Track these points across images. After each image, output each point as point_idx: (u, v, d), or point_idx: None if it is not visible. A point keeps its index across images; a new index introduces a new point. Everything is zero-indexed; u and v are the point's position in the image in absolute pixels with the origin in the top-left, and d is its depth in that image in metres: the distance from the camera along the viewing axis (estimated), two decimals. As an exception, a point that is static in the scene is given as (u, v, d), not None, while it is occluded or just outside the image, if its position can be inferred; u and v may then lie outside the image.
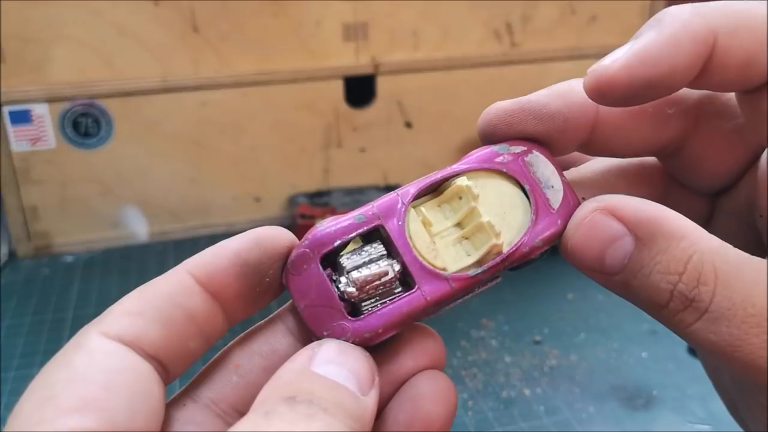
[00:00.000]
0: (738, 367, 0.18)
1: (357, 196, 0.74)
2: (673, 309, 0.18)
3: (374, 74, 0.76)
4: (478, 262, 0.21)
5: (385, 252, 0.21)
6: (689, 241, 0.18)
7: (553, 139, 0.22)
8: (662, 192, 0.24)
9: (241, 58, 0.72)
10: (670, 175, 0.24)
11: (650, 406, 0.50)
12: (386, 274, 0.20)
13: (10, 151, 0.69)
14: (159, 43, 0.69)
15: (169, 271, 0.20)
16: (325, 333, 0.20)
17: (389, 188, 0.76)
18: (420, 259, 0.21)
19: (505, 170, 0.22)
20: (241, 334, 0.22)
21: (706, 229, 0.22)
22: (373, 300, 0.21)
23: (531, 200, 0.21)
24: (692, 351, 0.56)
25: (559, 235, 0.21)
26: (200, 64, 0.71)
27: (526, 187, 0.22)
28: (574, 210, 0.21)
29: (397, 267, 0.21)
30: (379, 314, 0.20)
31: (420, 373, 0.21)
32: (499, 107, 0.22)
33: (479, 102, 0.87)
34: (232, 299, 0.20)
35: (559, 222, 0.21)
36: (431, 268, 0.21)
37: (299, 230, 0.70)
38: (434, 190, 0.22)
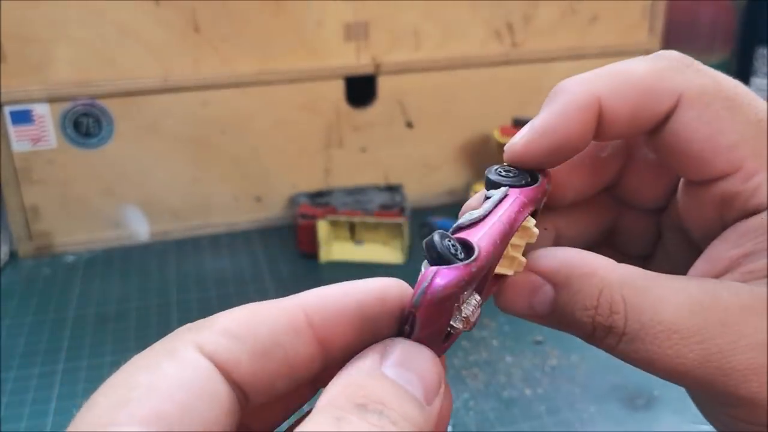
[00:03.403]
0: (664, 377, 0.20)
1: (358, 195, 0.74)
2: (598, 337, 0.21)
3: (375, 74, 0.76)
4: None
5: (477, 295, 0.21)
6: (598, 278, 0.21)
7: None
8: (615, 214, 0.27)
9: (242, 58, 0.72)
10: (619, 198, 0.27)
11: (651, 406, 0.50)
12: (478, 316, 0.21)
13: (11, 151, 0.69)
14: (160, 43, 0.69)
15: (285, 300, 0.20)
16: None
17: (390, 188, 0.76)
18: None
19: (537, 208, 0.23)
20: None
21: (659, 242, 0.26)
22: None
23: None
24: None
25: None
26: (201, 64, 0.71)
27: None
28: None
29: (479, 307, 0.21)
30: (453, 339, 0.21)
31: None
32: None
33: (480, 102, 0.88)
34: (340, 349, 0.20)
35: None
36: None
37: (299, 230, 0.70)
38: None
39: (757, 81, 0.86)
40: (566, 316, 0.22)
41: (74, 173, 0.71)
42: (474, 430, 0.48)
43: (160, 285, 0.67)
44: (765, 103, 0.22)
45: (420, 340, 0.20)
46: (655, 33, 0.84)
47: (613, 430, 0.48)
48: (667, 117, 0.22)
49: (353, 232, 0.71)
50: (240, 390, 0.19)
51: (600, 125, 0.22)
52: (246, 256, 0.72)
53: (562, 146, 0.22)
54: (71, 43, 0.67)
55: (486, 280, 0.21)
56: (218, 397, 0.18)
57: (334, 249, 0.71)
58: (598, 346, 0.22)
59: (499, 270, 0.22)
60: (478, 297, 0.21)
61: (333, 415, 0.17)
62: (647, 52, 0.82)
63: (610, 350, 0.21)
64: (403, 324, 0.20)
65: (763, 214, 0.21)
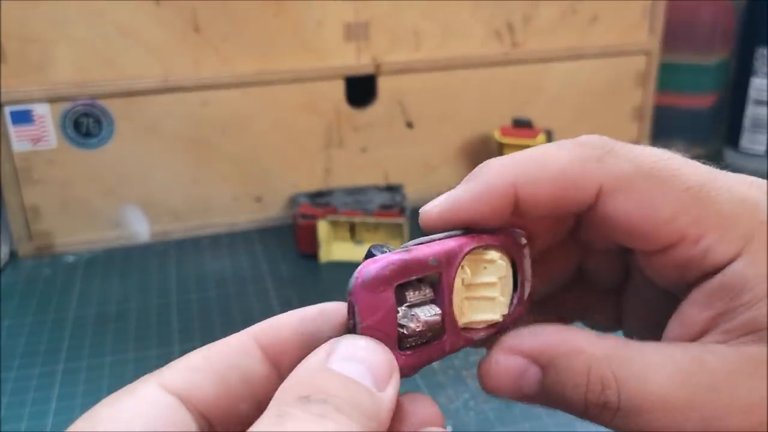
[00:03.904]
0: None
1: (358, 196, 0.74)
2: (592, 413, 0.21)
3: (375, 74, 0.76)
4: (477, 323, 0.24)
5: (433, 297, 0.22)
6: (585, 355, 0.21)
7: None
8: (582, 255, 0.27)
9: (242, 58, 0.72)
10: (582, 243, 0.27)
11: (651, 406, 0.50)
12: (438, 324, 0.22)
13: (11, 151, 0.69)
14: (160, 43, 0.69)
15: (235, 334, 0.21)
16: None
17: (390, 188, 0.76)
18: (453, 314, 0.23)
19: (511, 253, 0.24)
20: None
21: (627, 278, 0.26)
22: (415, 339, 0.22)
23: (518, 285, 0.24)
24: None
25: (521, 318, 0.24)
26: (201, 64, 0.71)
27: (518, 275, 0.24)
28: (525, 311, 0.24)
29: (438, 318, 0.22)
30: (416, 354, 0.22)
31: None
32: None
33: (480, 102, 0.88)
34: (290, 365, 0.20)
35: (520, 309, 0.24)
36: (456, 322, 0.23)
37: (299, 230, 0.70)
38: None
39: (757, 81, 0.86)
40: (556, 395, 0.22)
41: (74, 173, 0.71)
42: (474, 430, 0.48)
43: (161, 285, 0.67)
44: (693, 167, 0.22)
45: (369, 335, 0.20)
46: (655, 33, 0.84)
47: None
48: (591, 205, 0.23)
49: (353, 232, 0.71)
50: (204, 418, 0.20)
51: (518, 208, 0.23)
52: (246, 256, 0.72)
53: (475, 223, 0.23)
54: (71, 43, 0.67)
55: (449, 291, 0.22)
56: (181, 425, 0.19)
57: (334, 249, 0.71)
58: (592, 421, 0.21)
59: (484, 317, 0.23)
60: (437, 309, 0.22)
61: (275, 413, 0.17)
62: (647, 52, 0.82)
63: (605, 425, 0.21)
64: (348, 319, 0.21)
65: (725, 272, 0.21)
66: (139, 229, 0.75)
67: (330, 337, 0.20)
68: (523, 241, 0.24)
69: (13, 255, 0.72)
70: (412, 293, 0.21)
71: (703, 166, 0.23)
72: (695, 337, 0.22)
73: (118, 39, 0.68)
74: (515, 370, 0.22)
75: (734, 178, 0.22)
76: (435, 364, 0.54)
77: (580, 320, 0.29)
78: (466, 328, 0.23)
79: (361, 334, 0.20)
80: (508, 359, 0.22)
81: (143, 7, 0.67)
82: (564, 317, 0.28)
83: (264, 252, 0.73)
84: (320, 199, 0.74)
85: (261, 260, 0.71)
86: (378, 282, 0.20)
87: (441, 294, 0.22)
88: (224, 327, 0.59)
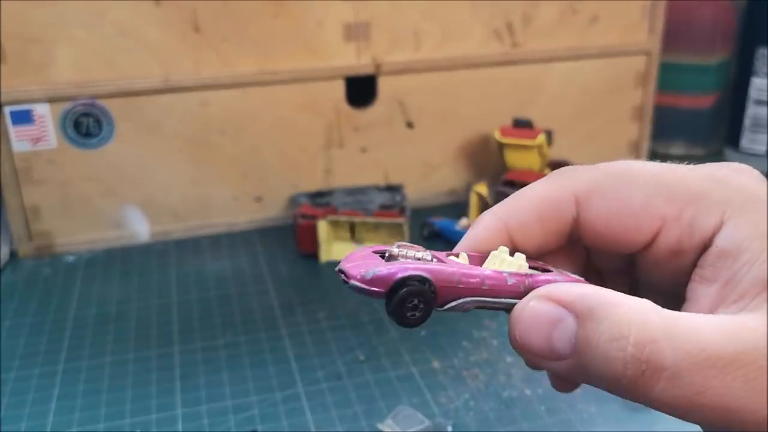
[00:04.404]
0: (709, 417, 0.19)
1: (358, 196, 0.74)
2: (632, 376, 0.19)
3: (375, 74, 0.76)
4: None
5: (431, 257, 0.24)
6: (627, 306, 0.20)
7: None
8: (586, 255, 0.28)
9: (242, 58, 0.72)
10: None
11: (651, 406, 0.50)
12: (425, 258, 0.23)
13: (11, 151, 0.69)
14: (160, 43, 0.69)
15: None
16: (362, 270, 0.22)
17: (390, 188, 0.76)
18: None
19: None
20: None
21: (630, 278, 0.27)
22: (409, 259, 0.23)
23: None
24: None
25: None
26: (201, 64, 0.71)
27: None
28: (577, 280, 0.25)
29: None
30: (412, 263, 0.23)
31: None
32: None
33: (480, 102, 0.88)
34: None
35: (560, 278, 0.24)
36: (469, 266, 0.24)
37: (300, 230, 0.70)
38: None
39: (757, 81, 0.86)
40: (591, 353, 0.20)
41: (74, 173, 0.71)
42: (474, 430, 0.48)
43: (161, 285, 0.67)
44: (657, 164, 0.24)
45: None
46: (655, 33, 0.84)
47: (613, 431, 0.48)
48: (576, 219, 0.24)
49: (353, 232, 0.71)
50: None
51: (515, 242, 0.25)
52: (246, 256, 0.72)
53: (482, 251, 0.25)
54: (71, 43, 0.67)
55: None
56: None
57: (335, 249, 0.71)
58: (628, 393, 0.20)
59: (492, 264, 0.24)
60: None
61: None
62: (647, 52, 0.83)
63: (646, 392, 0.19)
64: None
65: (715, 242, 0.21)
66: (139, 229, 0.75)
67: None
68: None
69: (13, 255, 0.72)
70: (396, 247, 0.24)
71: (667, 164, 0.24)
72: (712, 312, 0.21)
73: (118, 39, 0.68)
74: (548, 318, 0.21)
75: (702, 165, 0.24)
76: (435, 364, 0.54)
77: None
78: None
79: (344, 267, 0.23)
80: (541, 305, 0.21)
81: (143, 7, 0.67)
82: None
83: (264, 252, 0.73)
84: (320, 199, 0.74)
85: (261, 260, 0.71)
86: (379, 281, 0.22)
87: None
88: (224, 327, 0.59)
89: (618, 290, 0.27)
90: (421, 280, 0.22)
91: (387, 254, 0.23)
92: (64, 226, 0.72)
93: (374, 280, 0.22)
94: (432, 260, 0.23)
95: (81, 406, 0.51)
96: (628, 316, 0.19)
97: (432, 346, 0.56)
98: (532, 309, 0.21)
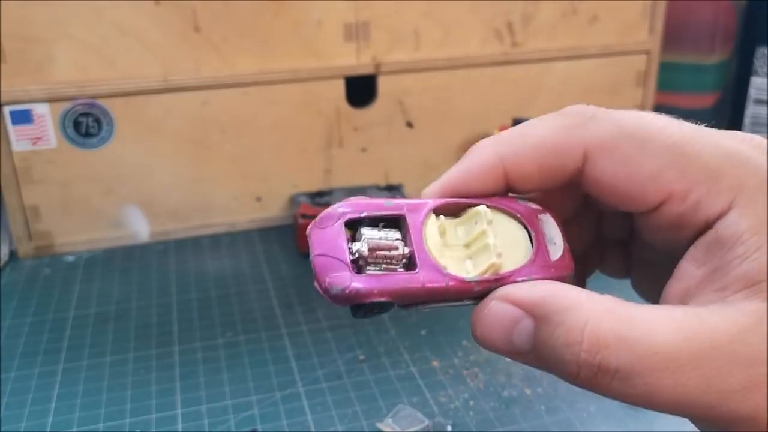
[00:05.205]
0: (665, 410, 0.20)
1: (358, 195, 0.74)
2: (584, 377, 0.20)
3: (375, 74, 0.76)
4: (483, 273, 0.23)
5: (400, 238, 0.23)
6: (582, 310, 0.20)
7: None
8: (598, 220, 0.28)
9: (242, 57, 0.72)
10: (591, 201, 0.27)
11: (651, 406, 0.50)
12: (396, 249, 0.23)
13: (11, 151, 0.69)
14: (160, 42, 0.69)
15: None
16: (327, 280, 0.22)
17: (390, 188, 0.76)
18: (427, 252, 0.23)
19: (519, 215, 0.25)
20: None
21: (633, 235, 0.26)
22: (377, 267, 0.23)
23: (534, 245, 0.24)
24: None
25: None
26: (201, 64, 0.71)
27: (532, 234, 0.24)
28: (567, 272, 0.24)
29: (406, 250, 0.23)
30: (378, 278, 0.22)
31: None
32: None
33: (480, 101, 0.88)
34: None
35: (552, 271, 0.24)
36: (435, 262, 0.23)
37: (300, 230, 0.70)
38: (456, 215, 0.25)
39: (758, 81, 0.86)
40: (548, 354, 0.21)
41: (74, 173, 0.71)
42: (473, 430, 0.48)
43: (160, 285, 0.67)
44: (678, 125, 0.23)
45: (320, 262, 0.23)
46: (655, 33, 0.84)
47: (613, 430, 0.48)
48: (580, 170, 0.23)
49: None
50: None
51: (509, 182, 0.24)
52: (246, 256, 0.72)
53: (471, 194, 0.25)
54: (71, 43, 0.67)
55: (415, 233, 0.24)
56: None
57: (334, 249, 0.71)
58: (585, 387, 0.20)
59: (485, 264, 0.23)
60: (395, 239, 0.23)
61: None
62: (647, 51, 0.83)
63: (601, 390, 0.20)
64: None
65: (717, 227, 0.21)
66: (139, 229, 0.75)
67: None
68: (533, 206, 0.25)
69: (13, 255, 0.72)
70: (367, 230, 0.23)
71: (689, 124, 0.23)
72: (693, 294, 0.21)
73: (118, 39, 0.68)
74: (508, 319, 0.22)
75: (722, 134, 0.23)
76: (435, 363, 0.54)
77: (599, 269, 0.29)
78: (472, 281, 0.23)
79: (314, 263, 0.22)
80: (501, 306, 0.22)
81: (143, 7, 0.67)
82: (583, 267, 0.28)
83: (264, 252, 0.73)
84: (320, 199, 0.74)
85: (261, 260, 0.71)
86: (327, 219, 0.23)
87: (407, 235, 0.23)
88: (224, 327, 0.59)
89: (611, 253, 0.28)
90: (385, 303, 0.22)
91: (356, 253, 0.23)
92: (63, 226, 0.72)
93: (337, 298, 0.22)
94: (400, 250, 0.23)
95: (81, 405, 0.51)
96: (582, 322, 0.20)
97: (432, 346, 0.56)
98: (490, 310, 0.22)
